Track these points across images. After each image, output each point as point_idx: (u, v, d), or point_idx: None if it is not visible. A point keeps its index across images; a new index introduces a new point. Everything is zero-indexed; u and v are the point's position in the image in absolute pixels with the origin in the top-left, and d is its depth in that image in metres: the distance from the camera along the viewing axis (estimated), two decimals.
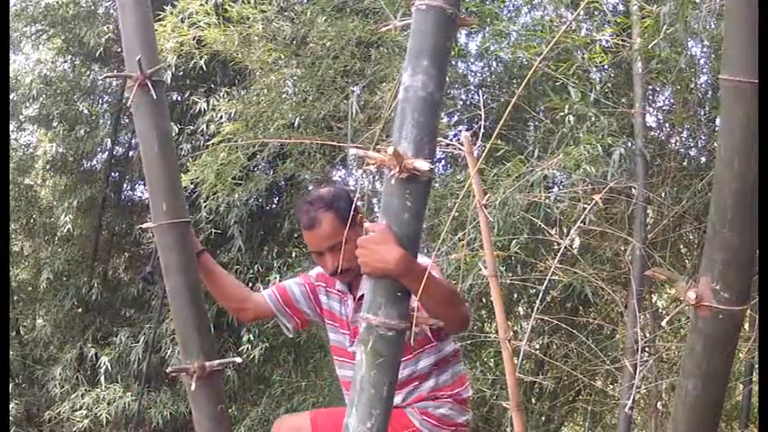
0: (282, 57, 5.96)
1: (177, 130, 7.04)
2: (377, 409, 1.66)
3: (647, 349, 5.07)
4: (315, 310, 2.64)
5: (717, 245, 1.54)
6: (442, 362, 2.52)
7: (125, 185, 8.70)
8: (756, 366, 4.98)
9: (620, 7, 6.24)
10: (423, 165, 1.65)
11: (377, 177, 5.72)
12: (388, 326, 1.68)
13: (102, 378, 7.04)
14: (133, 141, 8.21)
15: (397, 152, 1.65)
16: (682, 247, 6.38)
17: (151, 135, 2.38)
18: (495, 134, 2.28)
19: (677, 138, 6.24)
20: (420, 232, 1.79)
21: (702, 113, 6.09)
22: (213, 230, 6.63)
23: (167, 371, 2.42)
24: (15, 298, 8.26)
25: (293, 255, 6.95)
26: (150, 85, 2.32)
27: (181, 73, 7.05)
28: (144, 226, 2.51)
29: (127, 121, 8.08)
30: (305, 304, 2.64)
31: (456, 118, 6.96)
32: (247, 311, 2.73)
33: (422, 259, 2.00)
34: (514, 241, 4.94)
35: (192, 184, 5.90)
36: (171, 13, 5.68)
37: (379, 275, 1.74)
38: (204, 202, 6.04)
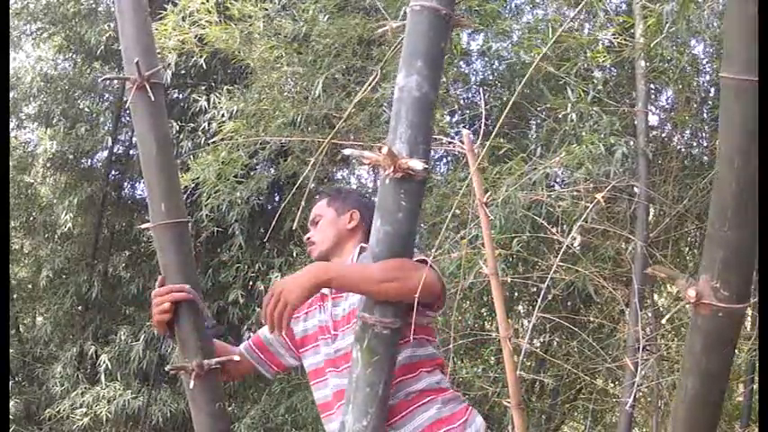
0: (284, 54, 5.95)
1: (178, 128, 7.05)
2: (372, 408, 1.67)
3: (648, 348, 5.06)
4: (288, 347, 2.57)
5: (717, 243, 1.53)
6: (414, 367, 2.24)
7: (125, 184, 8.72)
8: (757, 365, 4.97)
9: (623, 7, 6.23)
10: (417, 165, 1.66)
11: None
12: (384, 324, 1.70)
13: (103, 376, 7.05)
14: (133, 140, 8.21)
15: (391, 152, 1.65)
16: (683, 245, 6.37)
17: (149, 137, 2.38)
18: (494, 133, 2.27)
19: (679, 137, 6.23)
20: (415, 231, 1.80)
21: (705, 112, 6.08)
22: (216, 229, 6.65)
23: (166, 369, 2.41)
24: (15, 296, 8.27)
25: (294, 253, 6.94)
26: (148, 88, 2.33)
27: (182, 71, 7.04)
28: (142, 226, 2.50)
29: (127, 119, 8.09)
30: (278, 344, 2.58)
31: (457, 117, 6.96)
32: (230, 373, 2.57)
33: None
34: (516, 239, 4.93)
35: (193, 182, 5.89)
36: (172, 12, 5.67)
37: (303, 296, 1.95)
38: (206, 200, 6.03)
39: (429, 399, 2.20)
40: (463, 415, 2.24)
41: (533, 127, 6.41)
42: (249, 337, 6.57)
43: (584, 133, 5.00)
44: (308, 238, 2.54)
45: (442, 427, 2.18)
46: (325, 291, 2.42)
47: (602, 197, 4.11)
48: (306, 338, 2.50)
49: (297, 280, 1.95)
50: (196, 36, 5.83)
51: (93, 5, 7.90)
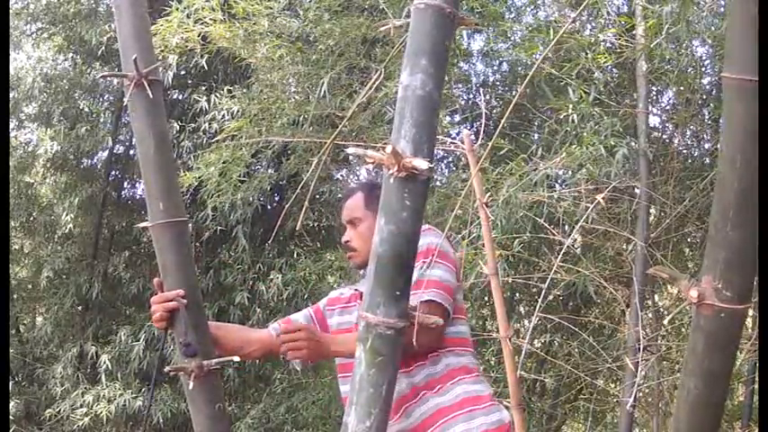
0: (287, 54, 5.93)
1: (178, 127, 7.04)
2: (376, 408, 1.65)
3: (648, 348, 5.05)
4: None
5: (719, 243, 1.52)
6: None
7: (125, 184, 8.72)
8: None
9: (624, 8, 6.23)
10: (421, 164, 1.64)
11: None
12: (387, 324, 1.67)
13: (103, 376, 7.05)
14: (134, 140, 8.20)
15: (395, 151, 1.63)
16: (684, 246, 6.37)
17: (148, 135, 2.34)
18: (495, 134, 2.26)
19: (680, 138, 6.23)
20: (419, 231, 1.77)
21: (706, 113, 6.08)
22: (218, 228, 6.65)
23: (165, 369, 2.38)
24: (15, 296, 8.27)
25: (295, 254, 6.94)
26: (146, 85, 2.30)
27: (182, 71, 7.03)
28: (141, 225, 2.46)
29: (128, 119, 8.08)
30: None
31: (458, 117, 6.97)
32: (254, 352, 2.59)
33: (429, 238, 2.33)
34: (517, 240, 4.93)
35: (196, 181, 5.88)
36: (177, 9, 5.65)
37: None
38: (209, 198, 6.02)
39: (459, 378, 2.35)
40: (489, 399, 2.37)
41: (535, 128, 6.41)
42: None
43: (585, 134, 4.99)
44: (347, 242, 2.46)
45: (467, 406, 2.32)
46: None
47: (603, 198, 4.12)
48: (340, 332, 2.50)
49: (321, 348, 2.25)
50: (199, 34, 5.81)
51: (94, 5, 7.89)
